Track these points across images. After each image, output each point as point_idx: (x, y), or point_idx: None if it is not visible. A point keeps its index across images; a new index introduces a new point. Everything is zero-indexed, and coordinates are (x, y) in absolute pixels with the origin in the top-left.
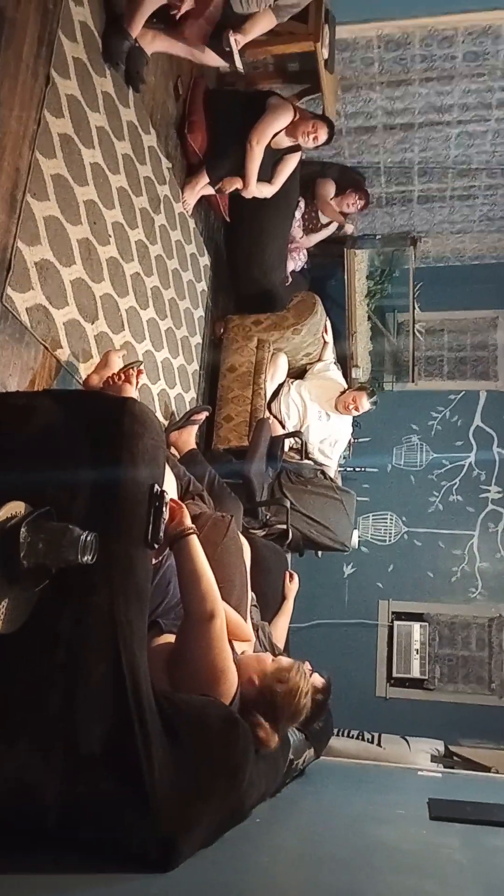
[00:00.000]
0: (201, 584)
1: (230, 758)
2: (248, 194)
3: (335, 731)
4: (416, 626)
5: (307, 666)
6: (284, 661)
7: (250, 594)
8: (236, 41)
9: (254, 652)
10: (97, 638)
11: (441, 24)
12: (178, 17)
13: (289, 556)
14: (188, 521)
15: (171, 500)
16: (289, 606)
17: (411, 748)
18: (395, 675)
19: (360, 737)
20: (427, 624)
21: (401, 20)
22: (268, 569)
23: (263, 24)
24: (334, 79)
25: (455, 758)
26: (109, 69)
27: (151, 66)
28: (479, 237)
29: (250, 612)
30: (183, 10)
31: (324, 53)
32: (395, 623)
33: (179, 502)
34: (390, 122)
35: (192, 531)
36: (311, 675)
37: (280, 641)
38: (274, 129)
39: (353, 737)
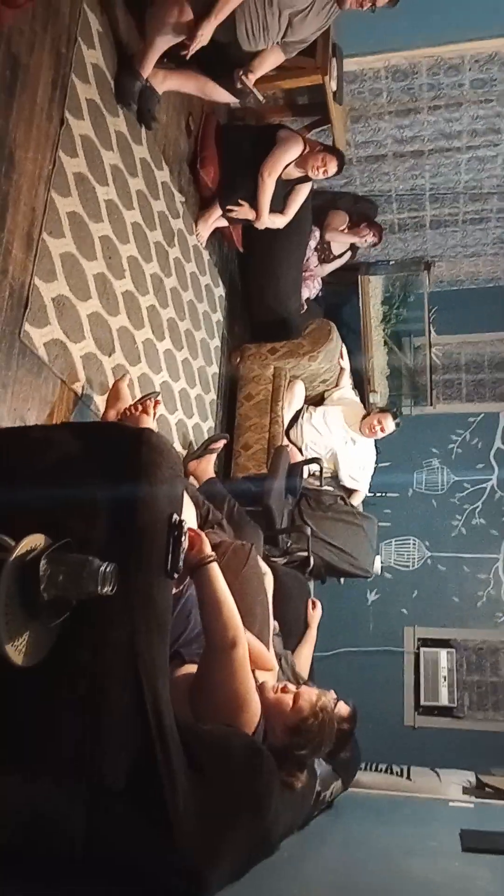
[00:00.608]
0: (223, 612)
1: (255, 789)
2: (260, 225)
3: (363, 764)
4: (443, 653)
5: (332, 695)
6: (308, 691)
7: (272, 623)
8: (248, 79)
9: (277, 682)
10: (118, 670)
11: (447, 53)
12: (188, 56)
13: (311, 583)
14: (208, 550)
15: (191, 529)
16: (312, 634)
17: (442, 780)
18: (423, 703)
19: (389, 770)
20: (454, 650)
21: (407, 51)
22: (290, 597)
23: (272, 60)
24: (343, 110)
25: (487, 788)
26: (122, 109)
27: (163, 104)
28: (492, 260)
29: (273, 641)
30: (193, 50)
31: (332, 86)
32: (422, 650)
33: (199, 531)
34: (400, 149)
35: (212, 559)
36: (336, 705)
37: (304, 671)
38: (284, 161)
39: (381, 770)
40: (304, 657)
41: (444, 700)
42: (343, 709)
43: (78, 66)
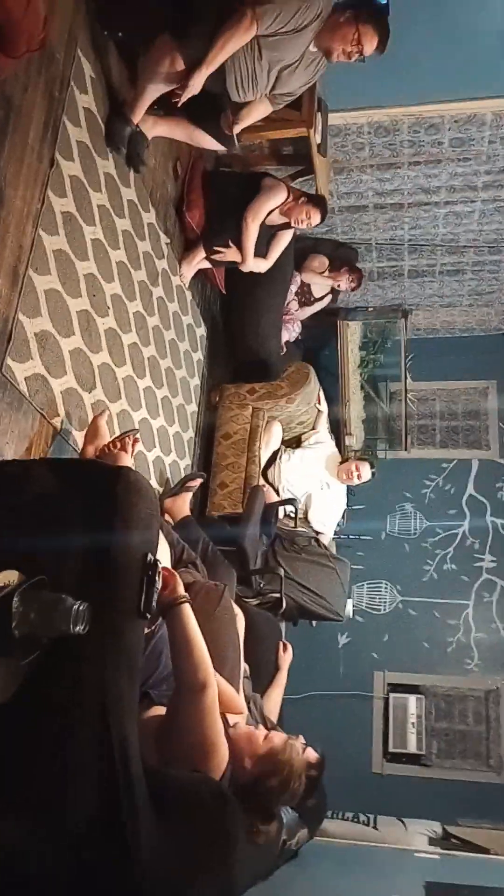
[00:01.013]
0: (193, 653)
1: (220, 835)
2: (245, 268)
3: (330, 813)
4: (412, 699)
5: (300, 740)
6: (276, 738)
7: (243, 665)
8: (234, 129)
9: (246, 725)
10: (87, 710)
11: (428, 113)
12: (178, 104)
13: (282, 625)
14: (181, 590)
15: (164, 568)
16: (282, 678)
17: (408, 830)
18: (391, 749)
19: (356, 819)
20: (423, 696)
21: (389, 108)
22: (261, 638)
23: (260, 111)
24: (327, 161)
25: (453, 839)
26: (111, 152)
27: (152, 149)
28: (468, 311)
29: (243, 683)
30: (183, 99)
31: (316, 138)
32: (391, 695)
33: (172, 571)
34: (381, 201)
35: (184, 600)
36: (304, 751)
37: (273, 714)
38: (268, 207)
39: (348, 819)
40: (273, 700)
41: (412, 747)
42: (311, 755)
43: (70, 109)
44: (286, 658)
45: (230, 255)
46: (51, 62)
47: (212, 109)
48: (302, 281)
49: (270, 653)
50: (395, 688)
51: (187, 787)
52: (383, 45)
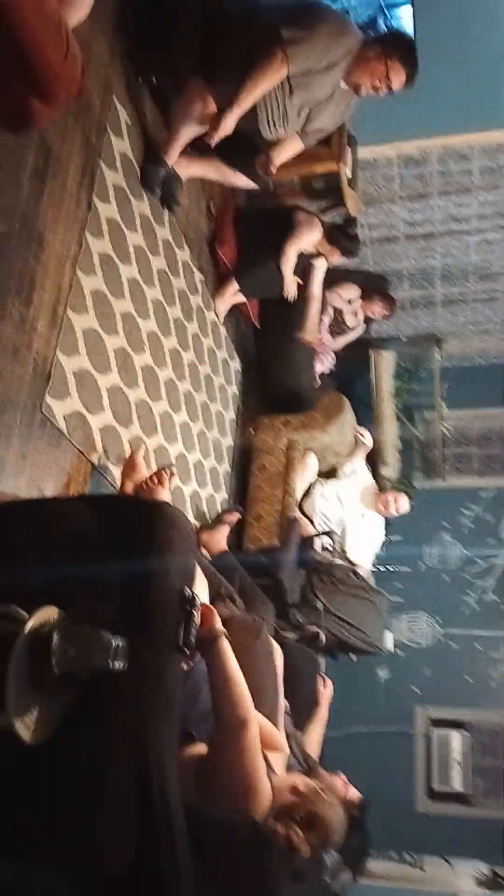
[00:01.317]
0: (233, 690)
1: (262, 881)
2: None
3: (373, 852)
4: (456, 735)
5: (342, 778)
6: (319, 779)
7: (282, 701)
8: (270, 169)
9: (287, 764)
10: (125, 750)
11: (456, 143)
12: (212, 145)
13: (321, 659)
14: (219, 625)
15: (202, 604)
16: (323, 714)
17: (455, 871)
18: (435, 788)
19: (401, 859)
20: (467, 732)
21: (418, 140)
22: (300, 674)
23: (292, 148)
24: (357, 195)
25: (501, 880)
26: (147, 193)
27: (185, 189)
28: (502, 337)
29: (282, 720)
30: (216, 140)
31: (347, 173)
32: (434, 731)
33: (210, 606)
34: (412, 232)
35: (222, 635)
36: (346, 789)
37: (314, 752)
38: (305, 242)
39: (392, 859)
40: (314, 738)
41: (456, 786)
42: (353, 794)
43: (106, 154)
44: (326, 694)
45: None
46: (88, 109)
47: (244, 149)
48: (335, 309)
49: (310, 688)
50: (437, 723)
51: (228, 830)
52: (412, 80)
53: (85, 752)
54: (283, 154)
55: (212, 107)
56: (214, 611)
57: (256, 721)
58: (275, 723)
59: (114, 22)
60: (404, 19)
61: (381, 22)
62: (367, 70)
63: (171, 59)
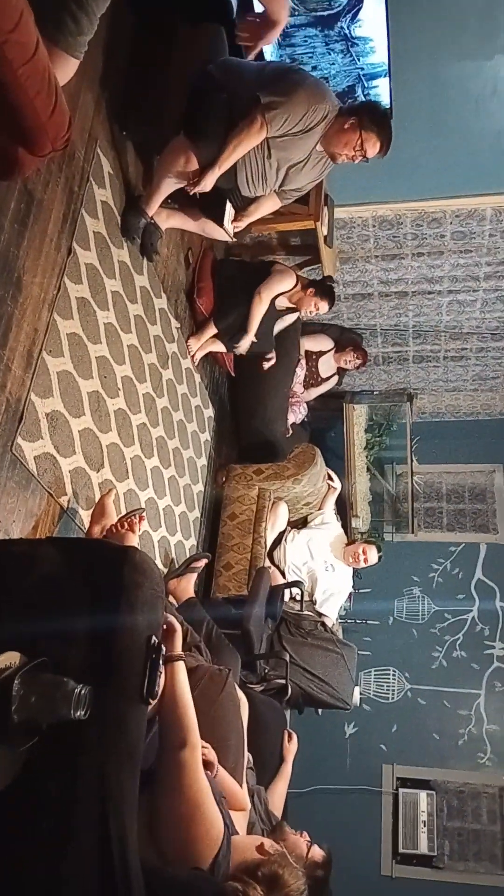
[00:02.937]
0: (177, 710)
1: None
2: (246, 341)
3: None
4: (423, 795)
5: (306, 837)
6: (283, 837)
7: (247, 755)
8: (236, 223)
9: (250, 820)
10: (86, 802)
11: (430, 208)
12: (190, 193)
13: (287, 713)
14: (178, 647)
15: (166, 622)
16: (287, 769)
17: None
18: (401, 850)
19: None
20: (434, 792)
21: (393, 204)
22: (266, 727)
23: (268, 206)
24: (333, 252)
25: None
26: (126, 242)
27: (164, 239)
28: (472, 395)
29: (246, 775)
30: (196, 194)
31: (323, 231)
32: (401, 790)
33: (173, 624)
34: (385, 290)
35: (178, 658)
36: (310, 849)
37: (277, 809)
38: (279, 289)
39: None
40: (278, 794)
41: (423, 848)
42: (317, 853)
43: (88, 202)
44: (291, 748)
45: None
46: (71, 159)
47: (223, 203)
48: (307, 352)
49: (275, 743)
50: (404, 782)
51: (186, 888)
52: (385, 150)
53: (43, 805)
54: (260, 210)
55: (194, 165)
56: (178, 630)
57: (199, 749)
58: (238, 778)
59: (100, 76)
60: (381, 90)
61: (359, 91)
62: (342, 139)
63: (156, 116)
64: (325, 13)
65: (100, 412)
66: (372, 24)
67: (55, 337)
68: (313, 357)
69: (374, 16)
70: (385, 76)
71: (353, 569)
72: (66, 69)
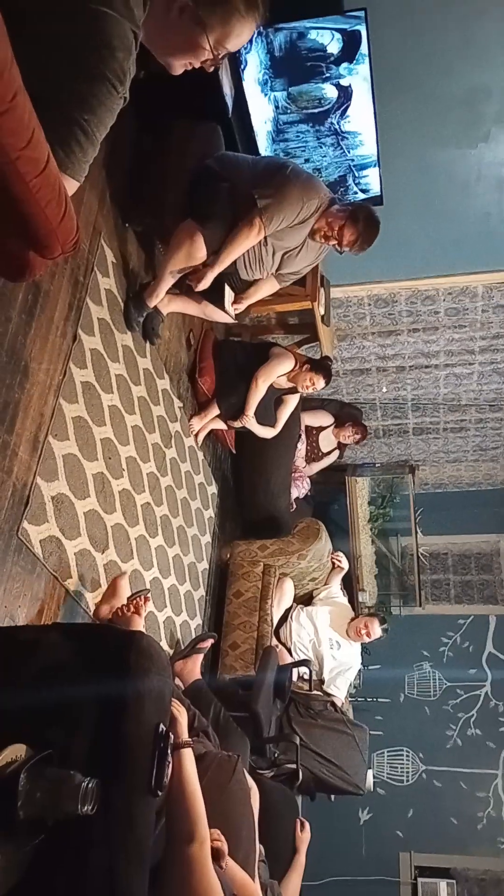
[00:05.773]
0: (185, 801)
1: None
2: (245, 421)
3: None
4: (443, 885)
5: None
6: None
7: (258, 847)
8: (236, 305)
9: None
10: None
11: (423, 286)
12: (194, 288)
13: (299, 799)
14: (184, 734)
15: (172, 705)
16: (301, 860)
17: None
18: None
19: None
20: (454, 881)
21: (387, 283)
22: (277, 816)
23: (266, 288)
24: (330, 330)
25: None
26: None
27: (166, 322)
28: (473, 465)
29: (258, 868)
30: (197, 289)
31: (320, 310)
32: (419, 880)
33: (179, 707)
34: (383, 365)
35: (186, 745)
36: None
37: None
38: (277, 372)
39: None
40: (292, 888)
41: None
42: None
43: (93, 291)
44: (304, 838)
45: (242, 420)
46: (77, 252)
47: (222, 287)
48: (307, 427)
49: (287, 832)
50: (423, 871)
51: None
52: (360, 248)
53: None
54: (259, 293)
55: (201, 244)
56: (184, 715)
57: (207, 843)
58: (250, 871)
59: (104, 174)
60: (371, 179)
61: (350, 181)
62: (329, 217)
63: (156, 208)
64: (316, 111)
65: (104, 493)
66: (360, 118)
67: (61, 421)
68: (314, 432)
69: (362, 111)
70: (375, 166)
71: (361, 644)
72: (71, 188)
